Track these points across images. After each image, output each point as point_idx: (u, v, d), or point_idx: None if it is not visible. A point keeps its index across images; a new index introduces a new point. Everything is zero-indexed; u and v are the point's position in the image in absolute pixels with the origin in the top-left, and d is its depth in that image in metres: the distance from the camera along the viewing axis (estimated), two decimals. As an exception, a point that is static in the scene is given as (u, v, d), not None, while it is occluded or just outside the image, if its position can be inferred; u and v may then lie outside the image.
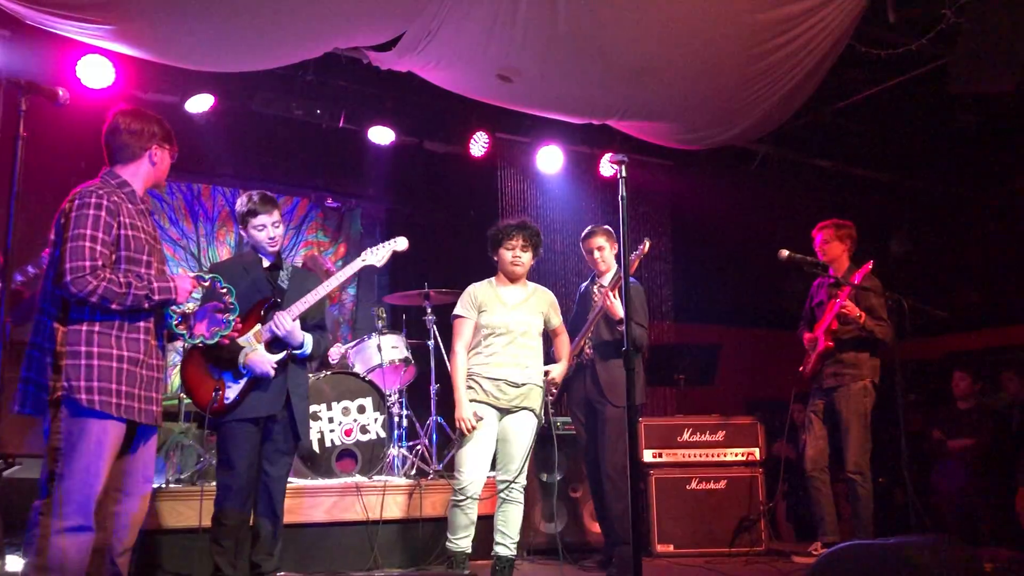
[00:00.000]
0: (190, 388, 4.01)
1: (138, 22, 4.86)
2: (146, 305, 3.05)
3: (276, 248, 4.14)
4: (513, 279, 4.54)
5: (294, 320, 3.95)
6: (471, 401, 4.35)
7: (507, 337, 4.40)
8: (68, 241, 2.96)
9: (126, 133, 3.21)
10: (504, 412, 4.40)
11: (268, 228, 4.07)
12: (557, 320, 4.64)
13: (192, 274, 3.31)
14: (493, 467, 4.49)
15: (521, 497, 4.44)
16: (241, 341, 3.90)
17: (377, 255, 4.22)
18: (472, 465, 4.32)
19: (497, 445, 4.41)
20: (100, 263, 2.96)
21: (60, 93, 3.01)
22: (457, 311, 4.51)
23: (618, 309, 4.80)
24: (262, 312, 3.98)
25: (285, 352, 3.98)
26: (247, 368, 3.90)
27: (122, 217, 3.07)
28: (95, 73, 5.48)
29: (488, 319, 4.42)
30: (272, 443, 4.03)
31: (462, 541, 4.37)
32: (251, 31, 5.09)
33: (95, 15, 4.67)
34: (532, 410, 4.43)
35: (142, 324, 3.10)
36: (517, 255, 4.47)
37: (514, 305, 4.48)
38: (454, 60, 5.55)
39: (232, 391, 3.91)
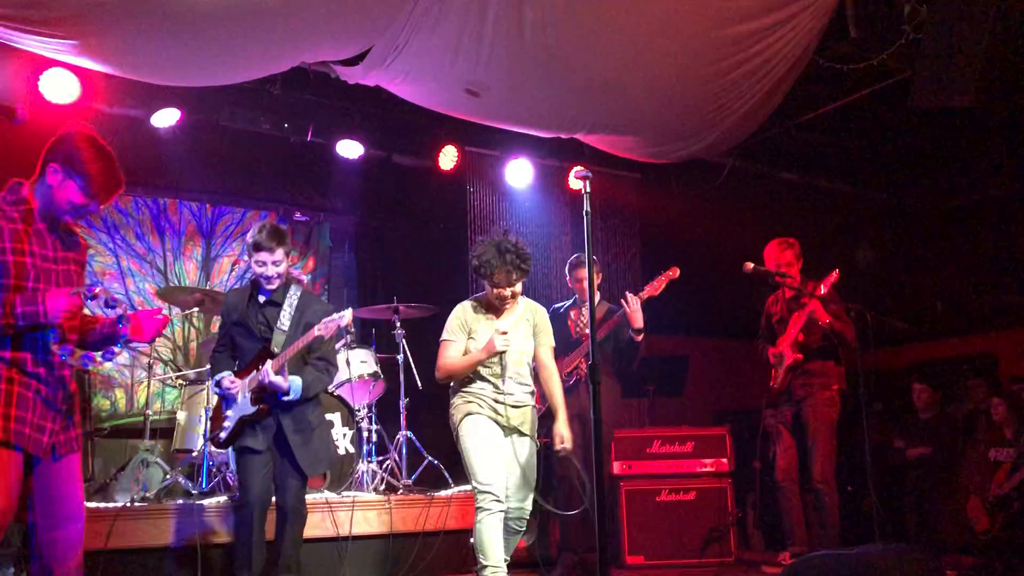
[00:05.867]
0: (211, 419, 4.50)
1: (103, 37, 4.81)
2: (10, 332, 2.78)
3: (274, 287, 4.20)
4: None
5: (276, 373, 4.05)
6: (475, 415, 4.07)
7: (499, 368, 4.10)
8: None
9: (49, 142, 2.95)
10: (508, 432, 4.12)
11: (268, 266, 4.13)
12: (548, 340, 4.30)
13: (71, 291, 2.89)
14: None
15: (524, 527, 4.20)
16: (236, 391, 4.18)
17: (327, 327, 4.08)
18: (490, 467, 3.98)
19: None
20: None
21: (18, 111, 2.93)
22: (446, 335, 4.20)
23: (639, 318, 5.03)
24: (260, 364, 4.12)
25: (259, 407, 4.13)
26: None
27: (5, 242, 2.80)
28: (58, 87, 5.39)
29: (479, 347, 4.10)
30: (281, 471, 4.17)
31: (502, 563, 3.97)
32: (217, 46, 5.06)
33: (59, 30, 4.61)
34: (532, 437, 4.18)
35: (28, 355, 2.85)
36: (502, 296, 4.11)
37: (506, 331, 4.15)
38: (422, 74, 5.56)
39: (223, 432, 4.21)
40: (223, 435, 4.21)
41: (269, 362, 4.06)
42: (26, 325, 2.77)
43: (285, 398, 4.11)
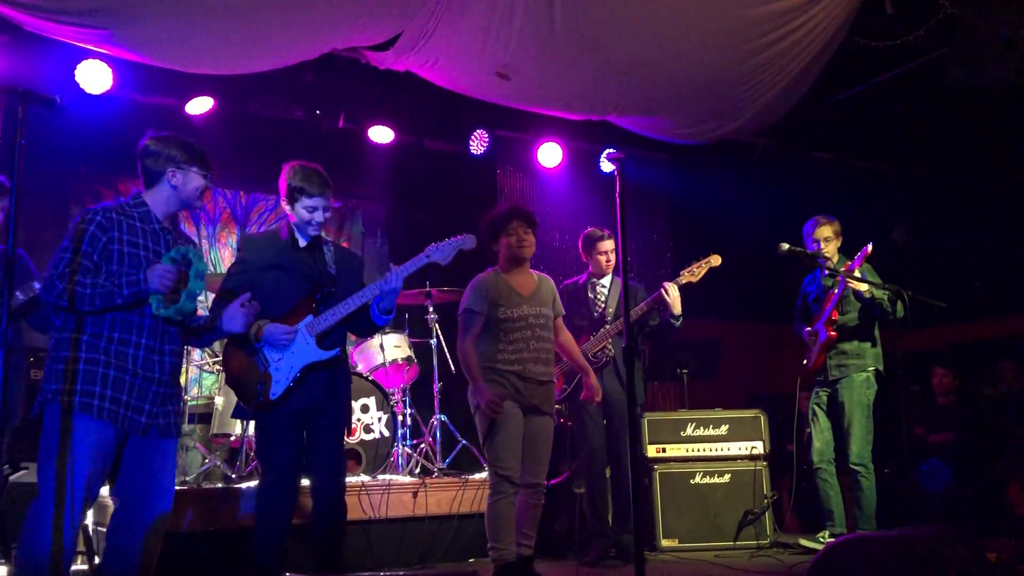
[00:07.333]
0: (235, 381, 3.82)
1: (136, 26, 4.88)
2: (118, 301, 3.07)
3: (318, 233, 3.93)
4: (520, 263, 4.39)
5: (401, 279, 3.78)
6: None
7: (529, 331, 4.25)
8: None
9: (147, 157, 3.30)
10: (527, 410, 4.24)
11: (319, 212, 3.83)
12: (560, 309, 4.53)
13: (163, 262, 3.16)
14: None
15: (542, 500, 4.35)
16: (291, 338, 3.68)
17: (442, 252, 3.94)
18: (512, 454, 4.14)
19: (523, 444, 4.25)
20: (69, 269, 3.03)
21: (57, 100, 3.00)
22: (469, 305, 4.30)
23: (678, 305, 5.01)
24: (314, 303, 3.75)
25: (338, 349, 3.74)
26: (261, 342, 3.68)
27: (116, 232, 3.14)
28: (93, 78, 5.48)
29: (508, 312, 4.24)
30: (319, 436, 3.75)
31: (512, 545, 4.14)
32: (249, 33, 5.10)
33: (93, 20, 4.69)
34: (551, 414, 4.36)
35: (133, 339, 3.15)
36: (521, 237, 4.34)
37: (529, 295, 4.34)
38: (452, 59, 5.57)
39: (279, 385, 3.66)
40: (280, 389, 3.64)
41: (393, 268, 3.79)
42: (130, 294, 3.07)
43: (386, 315, 3.83)
